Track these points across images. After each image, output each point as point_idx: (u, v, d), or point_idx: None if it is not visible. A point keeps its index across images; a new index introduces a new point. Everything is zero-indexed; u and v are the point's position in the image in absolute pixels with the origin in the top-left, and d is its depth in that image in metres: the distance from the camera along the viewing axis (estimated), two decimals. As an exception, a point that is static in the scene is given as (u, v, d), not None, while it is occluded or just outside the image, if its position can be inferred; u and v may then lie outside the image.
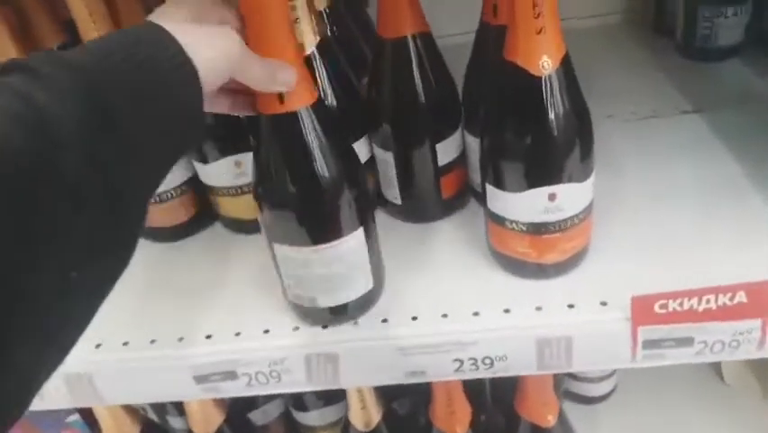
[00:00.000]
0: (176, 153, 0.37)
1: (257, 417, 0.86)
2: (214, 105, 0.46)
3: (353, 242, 0.50)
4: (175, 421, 0.88)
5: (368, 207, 0.52)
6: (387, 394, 0.75)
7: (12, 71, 0.30)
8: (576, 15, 0.97)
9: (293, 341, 0.54)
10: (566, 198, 0.50)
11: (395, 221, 0.66)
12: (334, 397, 0.83)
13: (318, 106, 0.47)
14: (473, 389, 0.72)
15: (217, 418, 0.74)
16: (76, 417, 0.77)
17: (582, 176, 0.50)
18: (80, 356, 0.56)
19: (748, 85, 0.78)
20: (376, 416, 0.71)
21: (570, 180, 0.50)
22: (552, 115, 0.47)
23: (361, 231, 0.50)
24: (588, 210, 0.53)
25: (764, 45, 0.80)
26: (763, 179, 0.61)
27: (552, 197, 0.50)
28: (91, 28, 0.56)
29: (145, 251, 0.69)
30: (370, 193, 0.53)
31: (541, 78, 0.46)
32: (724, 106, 0.74)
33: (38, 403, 0.57)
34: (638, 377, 0.90)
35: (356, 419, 0.71)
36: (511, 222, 0.52)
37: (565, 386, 0.88)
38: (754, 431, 0.83)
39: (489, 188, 0.53)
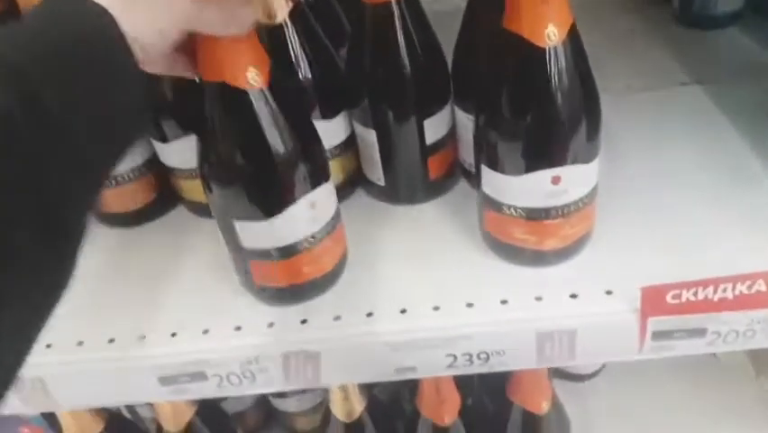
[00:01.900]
0: (123, 138, 0.33)
1: (231, 404, 0.82)
2: (175, 68, 0.41)
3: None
4: (144, 411, 0.83)
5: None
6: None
7: None
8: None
9: (268, 339, 0.49)
10: (571, 180, 0.46)
11: (378, 203, 0.61)
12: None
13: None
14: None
15: (187, 411, 0.69)
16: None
17: (589, 157, 0.46)
18: (29, 358, 0.50)
19: (749, 54, 0.74)
20: (359, 407, 0.67)
21: (575, 162, 0.45)
22: (558, 91, 0.42)
23: None
24: (593, 193, 0.48)
25: (764, 13, 0.75)
26: (770, 156, 0.58)
27: (555, 180, 0.45)
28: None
29: (101, 238, 0.62)
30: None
31: (547, 50, 0.41)
32: (724, 78, 0.70)
33: (-14, 409, 0.52)
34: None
35: (338, 410, 0.67)
36: (509, 207, 0.48)
37: (552, 365, 0.85)
38: (745, 410, 0.81)
39: (485, 171, 0.48)
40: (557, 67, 0.42)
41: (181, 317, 0.51)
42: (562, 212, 0.47)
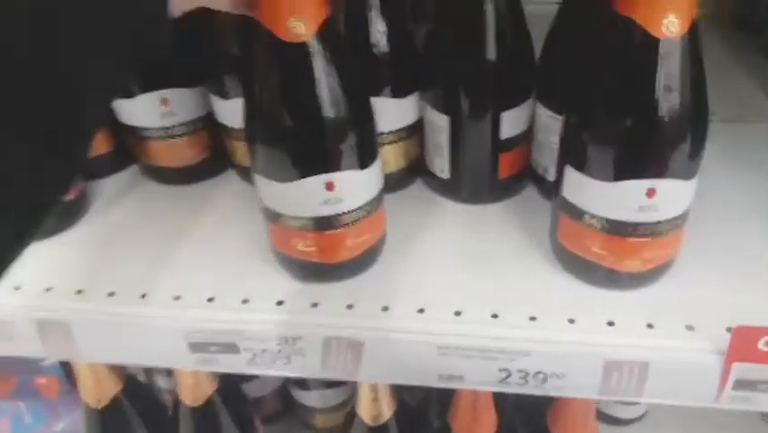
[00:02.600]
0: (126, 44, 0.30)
1: (252, 388, 0.78)
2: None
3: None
4: (162, 381, 0.81)
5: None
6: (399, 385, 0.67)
7: None
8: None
9: (312, 319, 0.45)
10: (667, 196, 0.41)
11: (438, 198, 0.57)
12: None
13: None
14: (498, 394, 0.63)
15: (208, 387, 0.66)
16: (53, 362, 0.70)
17: (690, 173, 0.41)
18: (57, 301, 0.48)
19: None
20: (387, 411, 0.63)
21: (675, 176, 0.40)
22: (670, 91, 0.38)
23: None
24: (685, 216, 0.43)
25: None
26: None
27: (650, 192, 0.41)
28: None
29: (146, 191, 0.60)
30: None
31: (662, 42, 0.37)
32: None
33: (4, 347, 0.49)
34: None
35: (364, 411, 0.63)
36: (591, 216, 0.43)
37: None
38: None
39: (569, 173, 0.43)
40: (671, 63, 0.37)
41: (221, 283, 0.48)
42: (651, 231, 0.42)
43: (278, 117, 0.41)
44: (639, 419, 0.81)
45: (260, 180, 0.44)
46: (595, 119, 0.41)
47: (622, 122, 0.40)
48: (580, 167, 0.42)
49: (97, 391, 0.65)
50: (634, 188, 0.41)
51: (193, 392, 0.65)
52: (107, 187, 0.61)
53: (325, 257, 0.46)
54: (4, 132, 0.24)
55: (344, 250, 0.46)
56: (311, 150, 0.42)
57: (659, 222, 0.42)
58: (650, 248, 0.43)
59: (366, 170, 0.44)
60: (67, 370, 0.70)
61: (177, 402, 0.68)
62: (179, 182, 0.60)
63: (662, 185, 0.40)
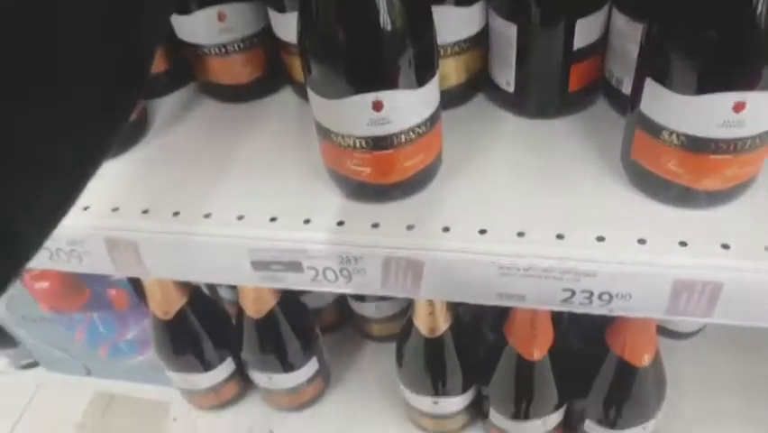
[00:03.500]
0: None
1: (311, 300, 0.80)
2: None
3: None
4: (225, 292, 0.84)
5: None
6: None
7: None
8: None
9: (372, 239, 0.45)
10: (757, 110, 0.38)
11: (502, 113, 0.55)
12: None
13: None
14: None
15: (271, 300, 0.68)
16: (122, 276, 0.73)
17: (786, 84, 0.38)
18: (124, 221, 0.49)
19: None
20: (443, 324, 0.64)
21: (767, 88, 0.37)
22: (773, -7, 0.34)
23: None
24: (773, 130, 0.40)
25: None
26: None
27: (738, 107, 0.37)
28: None
29: (205, 110, 0.60)
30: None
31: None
32: None
33: (76, 265, 0.51)
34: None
35: (421, 323, 0.64)
36: (671, 132, 0.40)
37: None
38: None
39: (650, 85, 0.40)
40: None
41: (282, 203, 0.48)
42: (734, 147, 0.40)
43: (326, 30, 0.39)
44: (696, 333, 0.81)
45: (311, 95, 0.43)
46: (683, 26, 0.37)
47: (714, 29, 0.36)
48: (663, 79, 0.39)
49: (164, 303, 0.68)
50: (720, 102, 0.38)
51: (256, 305, 0.67)
52: (167, 105, 0.61)
53: (375, 177, 0.45)
54: (71, 51, 0.24)
55: (395, 171, 0.45)
56: (356, 67, 0.40)
57: (744, 138, 0.39)
58: (732, 166, 0.41)
59: (420, 89, 0.42)
60: (135, 283, 0.73)
61: (240, 314, 0.70)
62: (237, 100, 0.59)
63: (753, 99, 0.37)
